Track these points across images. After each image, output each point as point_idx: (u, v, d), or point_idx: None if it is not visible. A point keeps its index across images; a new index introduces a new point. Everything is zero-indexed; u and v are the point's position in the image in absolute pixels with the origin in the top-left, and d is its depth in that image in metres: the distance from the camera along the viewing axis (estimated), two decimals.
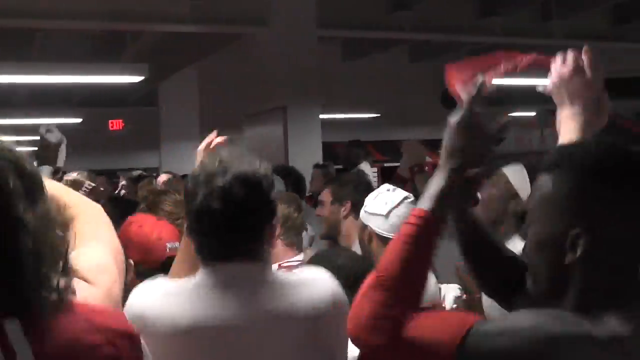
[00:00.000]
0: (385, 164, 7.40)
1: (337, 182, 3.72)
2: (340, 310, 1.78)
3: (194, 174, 1.74)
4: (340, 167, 7.49)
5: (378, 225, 2.74)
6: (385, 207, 2.74)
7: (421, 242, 1.34)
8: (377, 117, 10.66)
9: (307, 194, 5.83)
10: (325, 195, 3.64)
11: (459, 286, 2.93)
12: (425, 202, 1.37)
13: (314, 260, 2.43)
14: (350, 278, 2.00)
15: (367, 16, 8.04)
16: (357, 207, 3.36)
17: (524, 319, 1.23)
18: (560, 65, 1.67)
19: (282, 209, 3.18)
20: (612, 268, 1.26)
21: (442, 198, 1.37)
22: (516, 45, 9.72)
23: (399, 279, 1.31)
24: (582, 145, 1.32)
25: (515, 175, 2.88)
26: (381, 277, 1.33)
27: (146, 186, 5.74)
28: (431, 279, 2.59)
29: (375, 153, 8.56)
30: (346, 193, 3.54)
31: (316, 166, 6.52)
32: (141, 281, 1.89)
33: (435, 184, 1.39)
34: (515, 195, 2.83)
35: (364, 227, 2.82)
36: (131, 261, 2.11)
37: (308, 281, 1.84)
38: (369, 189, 3.53)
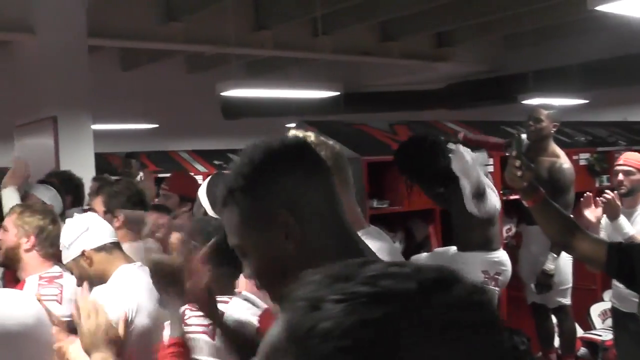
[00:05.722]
0: (160, 175, 7.42)
1: (108, 191, 3.62)
2: (46, 327, 1.91)
3: None
4: (117, 178, 7.41)
5: None
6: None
7: None
8: (155, 127, 10.61)
9: (85, 206, 5.73)
10: (97, 204, 3.58)
11: None
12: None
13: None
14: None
15: (140, 27, 8.02)
16: (129, 219, 3.42)
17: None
18: None
19: (36, 221, 3.16)
20: (326, 233, 1.33)
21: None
22: (286, 58, 10.11)
23: None
24: (232, 169, 1.38)
25: (201, 190, 3.10)
26: None
27: None
28: None
29: (150, 164, 8.54)
30: (118, 204, 3.49)
31: (94, 179, 6.43)
32: None
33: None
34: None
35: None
36: None
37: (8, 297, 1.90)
38: (143, 201, 3.58)
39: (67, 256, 2.79)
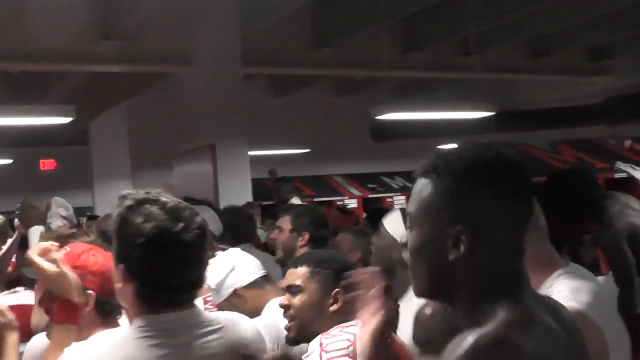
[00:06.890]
0: (315, 199, 7.50)
1: (295, 212, 3.76)
2: (262, 346, 1.99)
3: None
4: (271, 202, 7.55)
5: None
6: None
7: None
8: (307, 152, 10.75)
9: None
10: (284, 223, 3.69)
11: None
12: None
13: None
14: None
15: (292, 53, 8.16)
16: (314, 239, 3.55)
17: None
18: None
19: None
20: (495, 260, 1.30)
21: None
22: (434, 79, 9.99)
23: None
24: (457, 149, 1.37)
25: (392, 222, 2.88)
26: None
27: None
28: None
29: (305, 188, 8.66)
30: (304, 224, 3.62)
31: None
32: (102, 311, 2.01)
33: None
34: (396, 243, 2.75)
35: None
36: (91, 292, 2.02)
37: (235, 321, 1.92)
38: (326, 223, 3.70)
39: (217, 297, 2.78)
